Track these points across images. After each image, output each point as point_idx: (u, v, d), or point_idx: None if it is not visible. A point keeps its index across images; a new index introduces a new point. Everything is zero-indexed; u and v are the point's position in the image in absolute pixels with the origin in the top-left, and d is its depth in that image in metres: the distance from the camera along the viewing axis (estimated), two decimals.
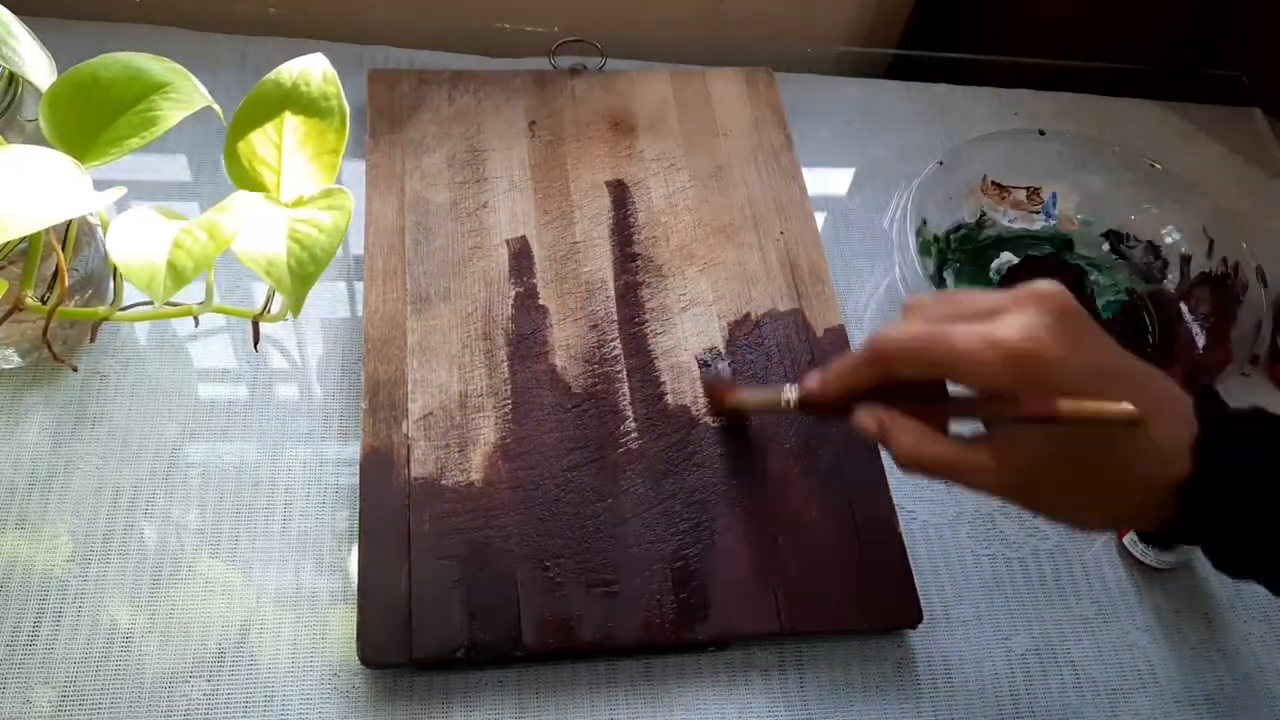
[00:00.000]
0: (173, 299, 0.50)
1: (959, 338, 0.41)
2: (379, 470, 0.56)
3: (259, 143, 0.52)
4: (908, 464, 0.44)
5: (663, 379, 0.61)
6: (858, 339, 0.66)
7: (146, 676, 0.51)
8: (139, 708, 0.50)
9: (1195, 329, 0.70)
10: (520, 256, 0.65)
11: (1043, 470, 0.43)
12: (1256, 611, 0.60)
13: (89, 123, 0.50)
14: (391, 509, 0.55)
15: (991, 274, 0.72)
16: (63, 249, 0.53)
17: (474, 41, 0.79)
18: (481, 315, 0.62)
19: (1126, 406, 0.40)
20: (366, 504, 0.55)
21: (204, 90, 0.52)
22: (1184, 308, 0.72)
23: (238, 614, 0.53)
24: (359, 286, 0.65)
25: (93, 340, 0.60)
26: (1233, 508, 0.42)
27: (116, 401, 0.59)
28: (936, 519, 0.61)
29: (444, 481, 0.56)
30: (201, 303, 0.56)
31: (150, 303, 0.45)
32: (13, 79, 0.53)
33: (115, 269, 0.55)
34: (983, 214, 0.74)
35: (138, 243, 0.46)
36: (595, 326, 0.63)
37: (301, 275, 0.47)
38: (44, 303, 0.53)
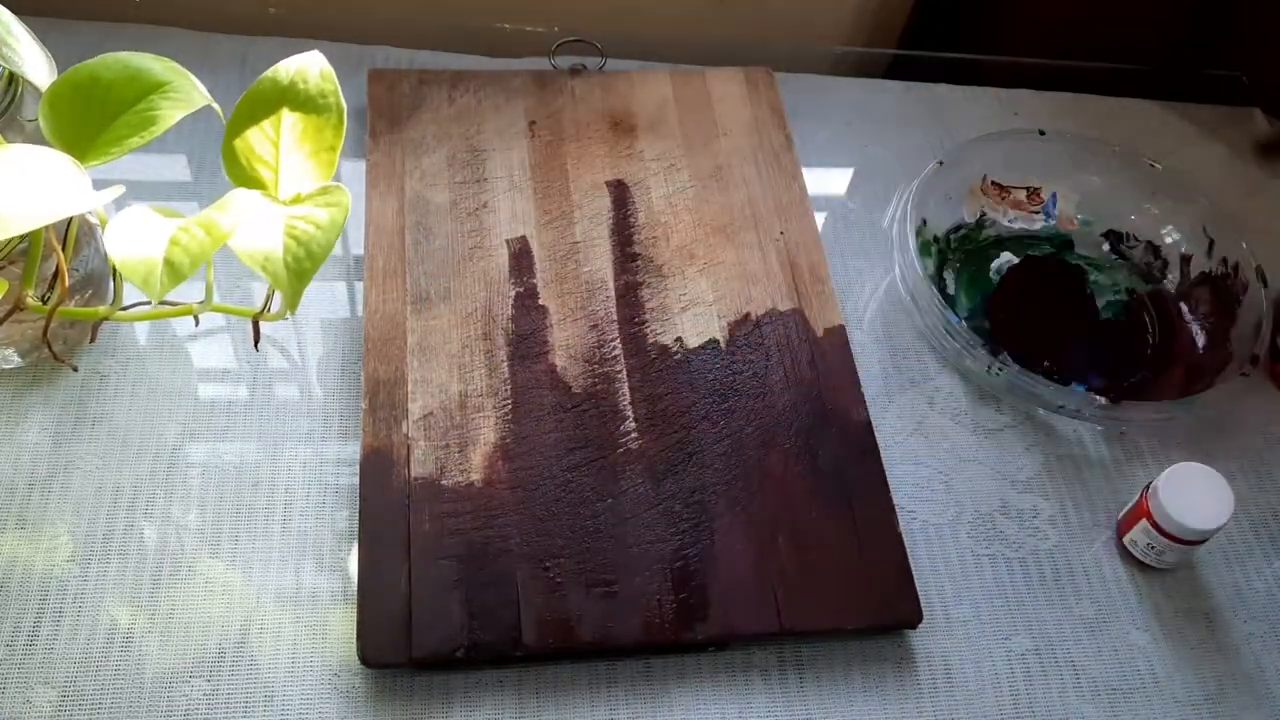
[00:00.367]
0: (173, 299, 0.50)
1: None
2: (379, 470, 0.56)
3: (256, 140, 0.52)
4: None
5: (663, 379, 0.61)
6: (857, 339, 0.67)
7: (146, 676, 0.51)
8: (139, 708, 0.50)
9: (1195, 329, 0.70)
10: (520, 256, 0.65)
11: None
12: (1256, 611, 0.60)
13: (89, 122, 0.50)
14: (391, 509, 0.55)
15: (991, 274, 0.72)
16: (63, 249, 0.53)
17: (474, 41, 0.79)
18: (481, 315, 0.62)
19: None
20: (366, 504, 0.55)
21: (204, 90, 0.52)
22: (1184, 308, 0.72)
23: (238, 614, 0.53)
24: (359, 286, 0.65)
25: (93, 340, 0.60)
26: None
27: (116, 401, 0.59)
28: (936, 519, 0.61)
29: (444, 481, 0.56)
30: (201, 302, 0.56)
31: (150, 302, 0.45)
32: (13, 79, 0.53)
33: (115, 269, 0.55)
34: (983, 214, 0.74)
35: (135, 240, 0.46)
36: (595, 326, 0.63)
37: (298, 271, 0.47)
38: (44, 303, 0.53)
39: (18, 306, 0.51)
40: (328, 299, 0.65)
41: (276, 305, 0.57)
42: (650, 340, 0.63)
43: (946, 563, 0.59)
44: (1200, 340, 0.69)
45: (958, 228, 0.73)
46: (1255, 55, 0.87)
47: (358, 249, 0.67)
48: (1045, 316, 0.71)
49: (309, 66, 0.53)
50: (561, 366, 0.61)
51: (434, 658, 0.51)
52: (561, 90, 0.74)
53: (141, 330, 0.62)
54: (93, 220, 0.57)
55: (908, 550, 0.57)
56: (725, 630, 0.53)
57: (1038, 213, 0.75)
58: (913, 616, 0.55)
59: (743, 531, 0.56)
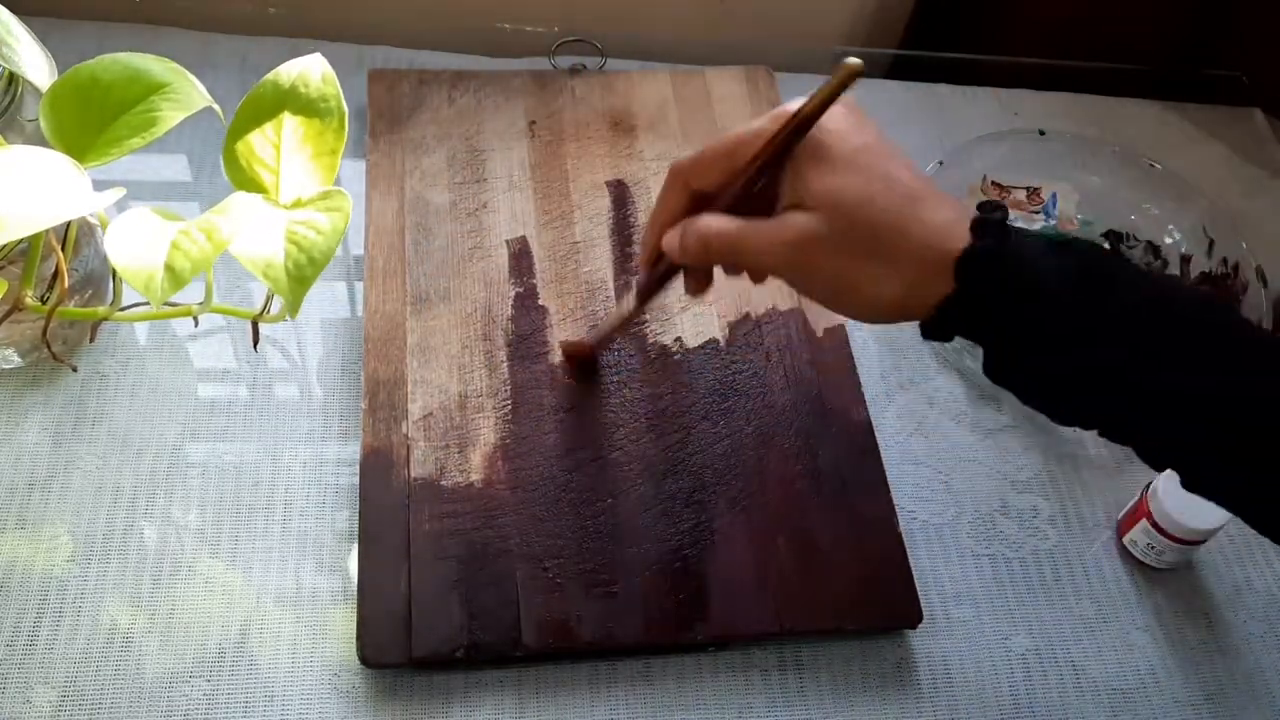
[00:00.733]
0: (173, 299, 0.50)
1: (749, 245, 0.45)
2: (379, 470, 0.56)
3: (258, 143, 0.52)
4: (699, 241, 0.46)
5: (663, 379, 0.61)
6: (857, 339, 0.66)
7: (146, 676, 0.51)
8: (139, 708, 0.50)
9: None
10: (520, 256, 0.65)
11: (821, 243, 0.43)
12: (1256, 611, 0.60)
13: (89, 123, 0.50)
14: (391, 509, 0.55)
15: None
16: (62, 249, 0.53)
17: (474, 41, 0.79)
18: (481, 315, 0.62)
19: (848, 62, 0.44)
20: (366, 504, 0.55)
21: (204, 91, 0.52)
22: None
23: (238, 614, 0.53)
24: (359, 286, 0.65)
25: (93, 340, 0.60)
26: (1011, 280, 0.42)
27: (116, 401, 0.59)
28: (936, 519, 0.61)
29: (444, 482, 0.56)
30: (201, 303, 0.56)
31: (149, 303, 0.45)
32: (13, 79, 0.53)
33: (115, 269, 0.55)
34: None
35: (136, 244, 0.46)
36: (595, 326, 0.62)
37: (299, 277, 0.47)
38: (44, 303, 0.53)
39: (17, 306, 0.51)
40: (328, 299, 0.65)
41: (276, 307, 0.57)
42: (650, 340, 0.63)
43: (946, 563, 0.59)
44: None
45: None
46: (1255, 55, 0.87)
47: (358, 249, 0.67)
48: None
49: (310, 70, 0.53)
50: (561, 366, 0.61)
51: (434, 658, 0.51)
52: (561, 90, 0.74)
53: (141, 330, 0.62)
54: (92, 221, 0.57)
55: (908, 550, 0.57)
56: (725, 630, 0.53)
57: (1038, 213, 0.75)
58: (913, 616, 0.55)
59: (742, 531, 0.56)
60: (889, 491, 0.59)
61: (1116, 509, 0.63)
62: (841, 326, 0.65)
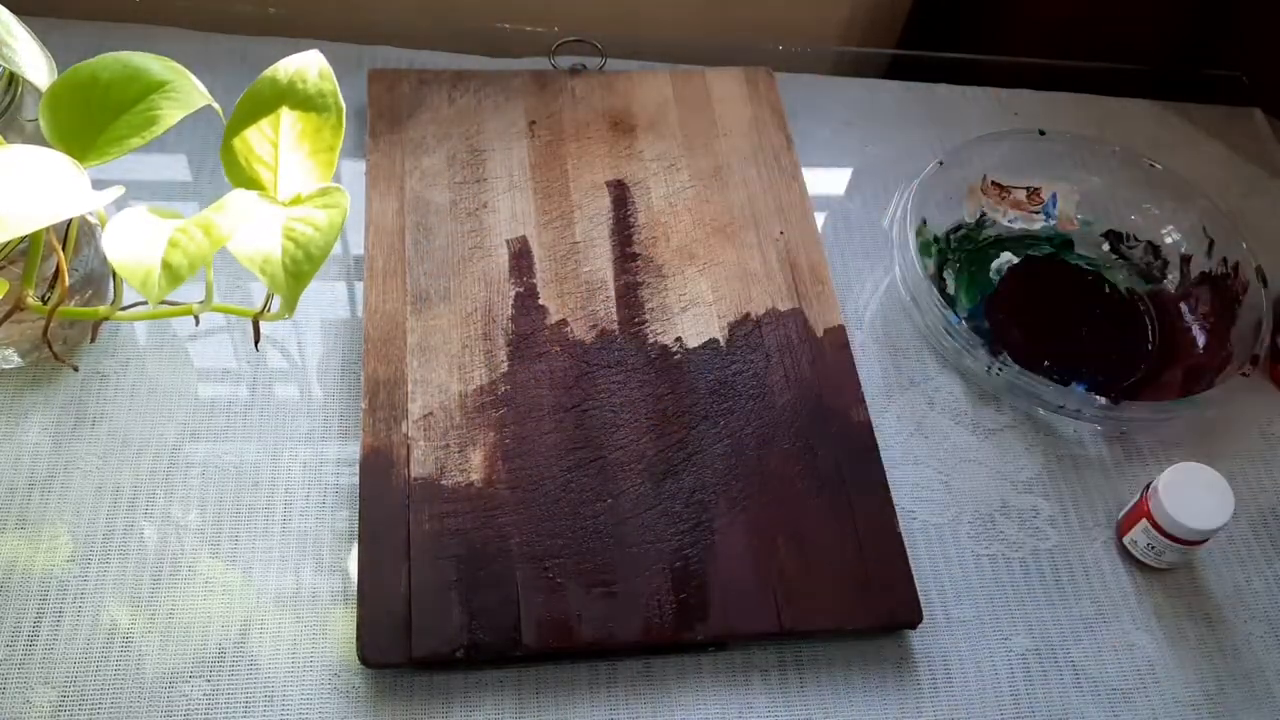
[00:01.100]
0: (173, 298, 0.50)
1: None
2: (379, 470, 0.56)
3: (255, 140, 0.52)
4: None
5: (663, 379, 0.61)
6: (857, 339, 0.67)
7: (146, 676, 0.51)
8: (139, 707, 0.50)
9: (1195, 329, 0.70)
10: (520, 256, 0.65)
11: None
12: (1257, 611, 0.60)
13: (89, 123, 0.50)
14: (391, 509, 0.55)
15: (991, 274, 0.72)
16: (63, 249, 0.53)
17: (474, 41, 0.79)
18: (481, 315, 0.62)
19: None
20: (366, 504, 0.55)
21: (204, 90, 0.52)
22: (1184, 308, 0.72)
23: (238, 614, 0.53)
24: (359, 286, 0.65)
25: (93, 340, 0.60)
26: None
27: (116, 401, 0.59)
28: (936, 519, 0.61)
29: (444, 481, 0.56)
30: (201, 302, 0.56)
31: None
32: (13, 79, 0.53)
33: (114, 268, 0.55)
34: (983, 214, 0.74)
35: (133, 242, 0.46)
36: (595, 326, 0.63)
37: (296, 274, 0.47)
38: (44, 302, 0.53)
39: (18, 306, 0.51)
40: (328, 299, 0.65)
41: (276, 305, 0.57)
42: (650, 340, 0.63)
43: (946, 563, 0.59)
44: (1200, 340, 0.69)
45: (958, 228, 0.73)
46: (1255, 55, 0.87)
47: (358, 249, 0.67)
48: (1045, 316, 0.71)
49: (308, 66, 0.53)
50: (562, 367, 0.61)
51: (434, 658, 0.51)
52: (561, 90, 0.74)
53: (141, 330, 0.62)
54: (93, 220, 0.57)
55: (908, 550, 0.57)
56: (725, 630, 0.53)
57: (1038, 213, 0.75)
58: (913, 616, 0.55)
59: (743, 531, 0.56)
60: (889, 491, 0.59)
61: (1116, 509, 0.63)
62: (841, 327, 0.65)
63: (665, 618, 0.53)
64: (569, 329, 0.62)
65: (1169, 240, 0.74)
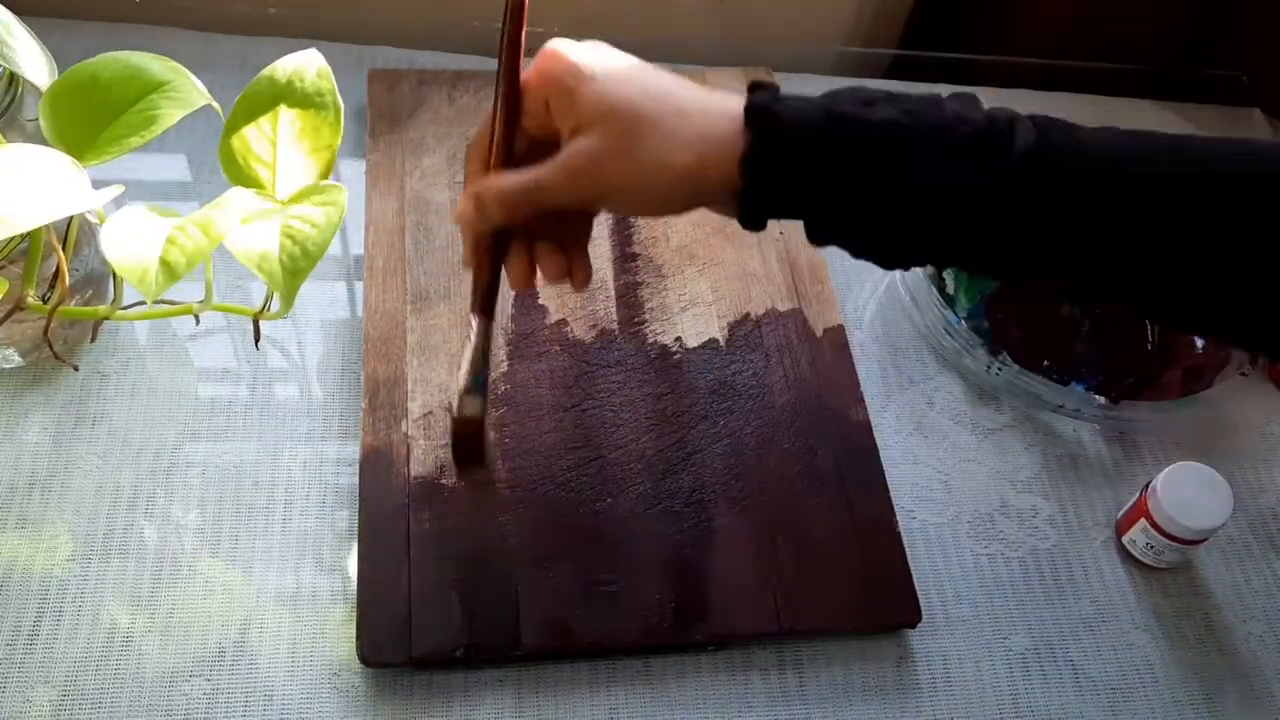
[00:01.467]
0: (174, 298, 0.50)
1: (547, 183, 0.45)
2: (379, 470, 0.56)
3: (254, 138, 0.52)
4: (497, 199, 0.46)
5: (662, 379, 0.61)
6: (857, 339, 0.67)
7: (146, 676, 0.51)
8: (139, 707, 0.50)
9: None
10: None
11: (608, 150, 0.44)
12: (1255, 611, 0.60)
13: (89, 122, 0.50)
14: (391, 509, 0.55)
15: None
16: (63, 249, 0.53)
17: (474, 41, 0.79)
18: None
19: None
20: (366, 504, 0.55)
21: (203, 90, 0.52)
22: None
23: (238, 613, 0.53)
24: (359, 286, 0.65)
25: (93, 340, 0.60)
26: (791, 166, 0.44)
27: (116, 401, 0.59)
28: (936, 519, 0.61)
29: (444, 481, 0.56)
30: (201, 302, 0.56)
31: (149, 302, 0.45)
32: (13, 79, 0.53)
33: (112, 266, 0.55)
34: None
35: (131, 240, 0.46)
36: (595, 326, 0.63)
37: (293, 270, 0.47)
38: (45, 302, 0.53)
39: (18, 306, 0.51)
40: (328, 299, 0.65)
41: (276, 304, 0.57)
42: (650, 340, 0.63)
43: (946, 562, 0.60)
44: (1200, 340, 0.69)
45: None
46: (1255, 55, 0.87)
47: (358, 249, 0.67)
48: (1045, 316, 0.71)
49: (306, 65, 0.54)
50: (562, 366, 0.61)
51: (433, 657, 0.51)
52: None
53: (142, 330, 0.62)
54: (93, 220, 0.57)
55: (907, 550, 0.57)
56: (724, 630, 0.53)
57: None
58: (912, 616, 0.55)
59: (742, 531, 0.56)
60: (888, 491, 0.59)
61: (1116, 508, 0.63)
62: (841, 327, 0.65)
63: (665, 617, 0.53)
64: (569, 328, 0.62)
65: None
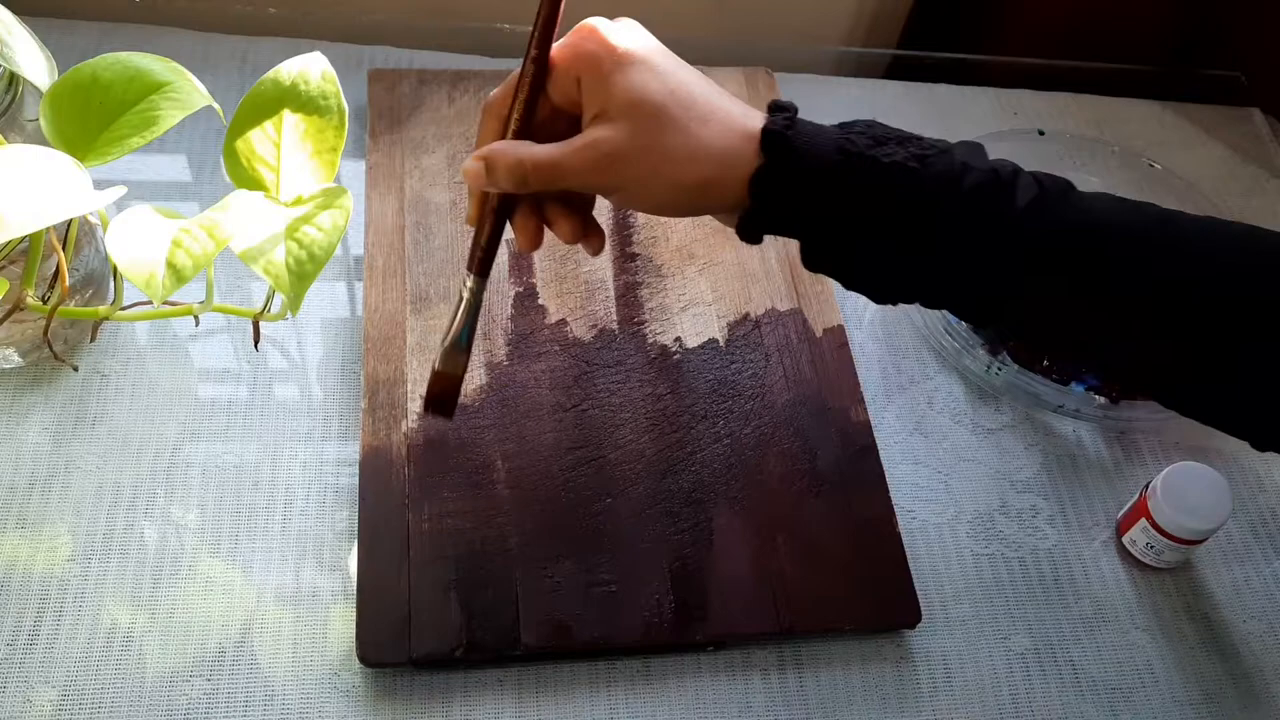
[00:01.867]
0: (174, 298, 0.50)
1: (568, 166, 0.46)
2: (379, 470, 0.56)
3: (258, 141, 0.52)
4: (513, 168, 0.46)
5: (662, 379, 0.61)
6: (857, 339, 0.67)
7: (147, 676, 0.51)
8: (139, 707, 0.50)
9: None
10: (519, 256, 0.65)
11: (634, 143, 0.45)
12: (1255, 611, 0.60)
13: (89, 123, 0.50)
14: (391, 509, 0.55)
15: None
16: (63, 249, 0.53)
17: (474, 41, 0.79)
18: (481, 315, 0.62)
19: None
20: (366, 504, 0.55)
21: (204, 90, 0.52)
22: None
23: (238, 613, 0.53)
24: (359, 286, 0.65)
25: (93, 340, 0.60)
26: (796, 195, 0.45)
27: (117, 401, 0.59)
28: (936, 519, 0.61)
29: (443, 481, 0.56)
30: (202, 302, 0.56)
31: (150, 302, 0.45)
32: (13, 79, 0.53)
33: (116, 268, 0.55)
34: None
35: (137, 242, 0.46)
36: (595, 326, 0.63)
37: (300, 274, 0.47)
38: (45, 302, 0.53)
39: (18, 306, 0.52)
40: (328, 299, 0.65)
41: (277, 305, 0.57)
42: (650, 340, 0.63)
43: (945, 562, 0.60)
44: None
45: None
46: (1255, 55, 0.87)
47: (358, 249, 0.67)
48: None
49: (310, 68, 0.54)
50: (561, 366, 0.61)
51: (433, 657, 0.51)
52: None
53: (142, 330, 0.62)
54: (93, 220, 0.57)
55: (907, 550, 0.57)
56: (724, 630, 0.53)
57: None
58: (911, 616, 0.55)
59: (742, 531, 0.56)
60: (888, 491, 0.59)
61: (1116, 508, 0.63)
62: (841, 327, 0.65)
63: (664, 617, 0.53)
64: (568, 328, 0.62)
65: None
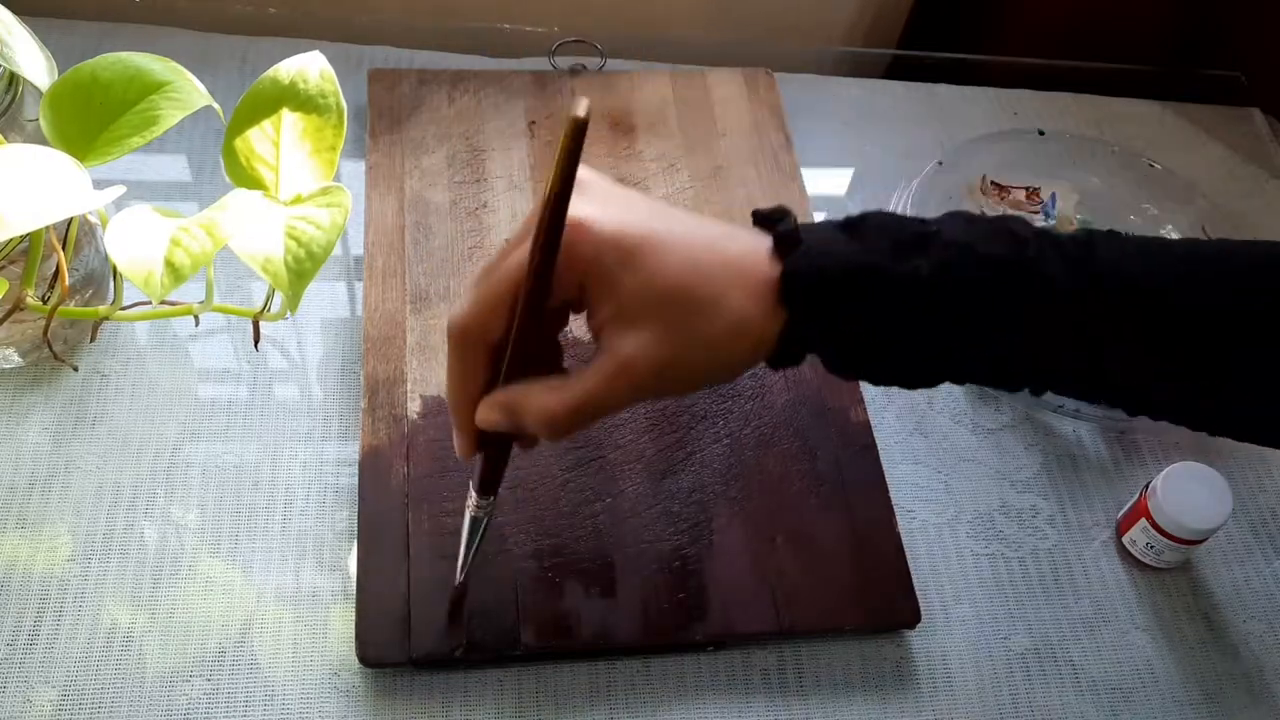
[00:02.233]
0: (173, 298, 0.50)
1: (609, 403, 0.42)
2: (379, 470, 0.56)
3: (257, 140, 0.52)
4: (547, 423, 0.42)
5: None
6: None
7: (147, 676, 0.51)
8: (139, 707, 0.50)
9: None
10: None
11: (669, 347, 0.41)
12: (1255, 611, 0.60)
13: (89, 122, 0.50)
14: (391, 508, 0.55)
15: None
16: (63, 249, 0.53)
17: (474, 41, 0.79)
18: None
19: (573, 115, 0.35)
20: (366, 504, 0.55)
21: (204, 90, 0.52)
22: None
23: (238, 613, 0.53)
24: (359, 286, 0.65)
25: (93, 340, 0.60)
26: (817, 328, 0.42)
27: (116, 401, 0.59)
28: (936, 519, 0.61)
29: (443, 481, 0.56)
30: (202, 302, 0.56)
31: (150, 302, 0.45)
32: (13, 79, 0.53)
33: (115, 268, 0.55)
34: (982, 214, 0.74)
35: (135, 241, 0.46)
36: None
37: (299, 273, 0.47)
38: (45, 302, 0.53)
39: (18, 306, 0.52)
40: (328, 299, 0.65)
41: (277, 305, 0.57)
42: None
43: (945, 562, 0.60)
44: None
45: None
46: (1255, 55, 0.87)
47: (357, 249, 0.67)
48: None
49: (309, 67, 0.54)
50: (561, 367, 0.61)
51: (433, 657, 0.51)
52: (561, 90, 0.74)
53: (142, 330, 0.62)
54: (93, 220, 0.57)
55: (906, 550, 0.57)
56: (724, 630, 0.53)
57: (1037, 212, 0.75)
58: (911, 616, 0.55)
59: (741, 531, 0.56)
60: (888, 491, 0.59)
61: (1116, 508, 0.63)
62: None
63: (664, 617, 0.53)
64: (569, 329, 0.62)
65: None
